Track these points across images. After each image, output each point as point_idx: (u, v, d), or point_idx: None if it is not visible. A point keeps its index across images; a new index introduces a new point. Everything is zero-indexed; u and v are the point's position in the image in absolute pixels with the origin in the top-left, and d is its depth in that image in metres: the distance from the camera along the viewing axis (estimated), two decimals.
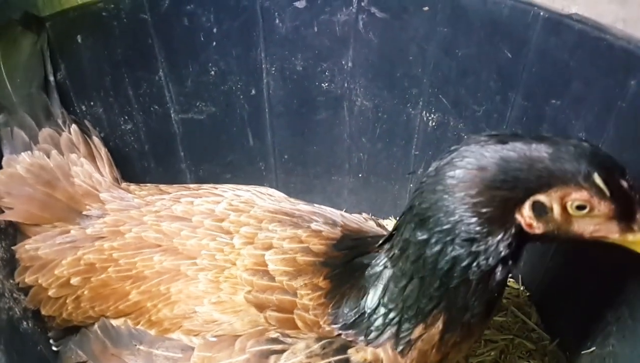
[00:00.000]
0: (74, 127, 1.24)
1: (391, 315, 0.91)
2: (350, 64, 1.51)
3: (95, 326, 1.06)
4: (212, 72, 1.50)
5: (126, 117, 1.51)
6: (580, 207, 0.79)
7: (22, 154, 1.17)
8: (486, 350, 1.39)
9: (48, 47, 1.28)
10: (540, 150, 0.78)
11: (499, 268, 0.84)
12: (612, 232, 0.82)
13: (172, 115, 1.56)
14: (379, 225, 1.23)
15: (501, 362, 1.37)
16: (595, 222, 0.80)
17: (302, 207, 1.19)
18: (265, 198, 1.18)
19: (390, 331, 0.91)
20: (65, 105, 1.32)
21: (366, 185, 1.75)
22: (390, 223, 1.74)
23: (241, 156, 1.69)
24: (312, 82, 1.56)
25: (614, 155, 0.81)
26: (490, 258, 0.82)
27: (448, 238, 0.82)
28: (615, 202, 0.78)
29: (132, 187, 1.23)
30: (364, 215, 1.31)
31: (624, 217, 0.80)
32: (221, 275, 1.00)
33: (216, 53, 1.47)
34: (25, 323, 1.16)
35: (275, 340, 0.93)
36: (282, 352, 0.92)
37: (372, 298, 0.93)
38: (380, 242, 0.96)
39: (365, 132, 1.63)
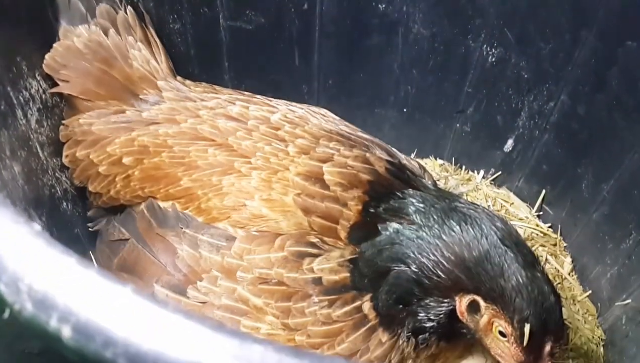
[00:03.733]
0: (129, 8, 1.20)
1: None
2: None
3: (142, 206, 1.06)
4: None
5: (175, 16, 1.45)
6: (501, 333, 0.90)
7: (80, 26, 1.14)
8: None
9: None
10: (517, 275, 0.87)
11: (427, 323, 0.96)
12: None
13: (221, 21, 1.50)
14: (420, 167, 1.22)
15: None
16: (503, 350, 0.92)
17: (360, 133, 1.19)
18: (319, 118, 1.18)
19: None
20: None
21: (409, 121, 1.71)
22: (429, 163, 1.70)
23: (285, 75, 1.64)
24: (368, 2, 1.49)
25: None
26: (421, 311, 0.95)
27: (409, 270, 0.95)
28: (526, 353, 0.88)
29: (188, 82, 1.22)
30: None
31: None
32: (274, 176, 1.01)
33: None
34: (65, 204, 1.16)
35: (313, 245, 0.96)
36: (317, 256, 0.96)
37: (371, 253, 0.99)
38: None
39: (418, 63, 1.57)
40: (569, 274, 1.43)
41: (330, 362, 0.35)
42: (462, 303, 0.92)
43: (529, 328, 0.86)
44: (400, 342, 0.96)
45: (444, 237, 0.92)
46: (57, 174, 1.15)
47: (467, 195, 1.60)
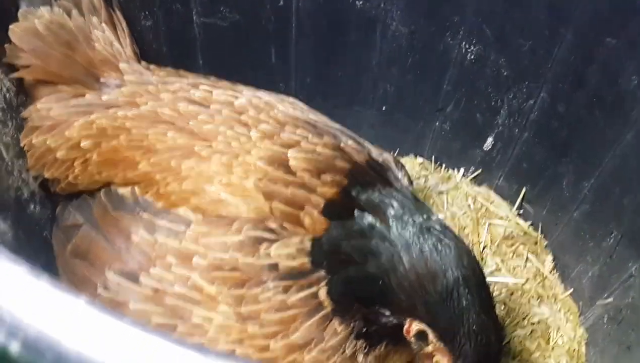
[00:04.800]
0: None
1: None
2: None
3: (101, 192, 1.03)
4: None
5: (147, 12, 1.41)
6: None
7: (41, 7, 1.10)
8: (496, 289, 1.37)
9: None
10: (472, 322, 0.87)
11: (373, 327, 0.95)
12: None
13: (194, 18, 1.46)
14: (397, 162, 1.20)
15: (509, 303, 1.35)
16: None
17: (329, 122, 1.16)
18: (286, 105, 1.15)
19: None
20: None
21: (388, 120, 1.68)
22: (409, 162, 1.68)
23: (262, 73, 1.61)
24: None
25: None
26: (371, 314, 0.95)
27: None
28: None
29: (152, 66, 1.18)
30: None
31: None
32: (235, 161, 0.98)
33: None
34: (32, 206, 1.11)
35: (271, 230, 0.94)
36: (274, 241, 0.93)
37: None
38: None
39: (396, 61, 1.55)
40: (550, 272, 1.43)
41: None
42: (411, 327, 0.93)
43: None
44: (354, 334, 0.94)
45: (413, 255, 0.90)
46: (23, 176, 1.10)
47: (447, 193, 1.59)
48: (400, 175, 1.18)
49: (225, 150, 0.99)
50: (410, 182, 1.21)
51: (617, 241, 1.25)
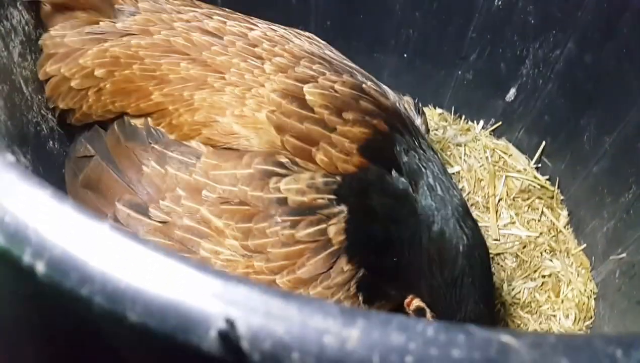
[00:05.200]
0: None
1: None
2: None
3: (114, 123, 1.03)
4: None
5: None
6: None
7: None
8: (507, 243, 1.37)
9: None
10: (469, 312, 0.89)
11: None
12: None
13: None
14: (417, 106, 1.19)
15: (522, 255, 1.35)
16: None
17: (346, 61, 1.14)
18: (303, 39, 1.12)
19: None
20: None
21: (409, 67, 1.65)
22: (428, 113, 1.65)
23: (281, 15, 1.53)
24: None
25: None
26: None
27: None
28: None
29: None
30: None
31: None
32: (248, 93, 0.96)
33: None
34: (51, 142, 1.12)
35: (282, 165, 0.92)
36: (285, 176, 0.92)
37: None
38: None
39: (421, 4, 1.50)
40: (565, 227, 1.42)
41: (318, 304, 0.32)
42: (412, 302, 0.95)
43: None
44: (360, 274, 0.95)
45: (433, 237, 0.92)
46: (42, 111, 1.10)
47: (465, 145, 1.57)
48: (419, 121, 1.17)
49: (239, 82, 0.97)
50: (428, 130, 1.20)
51: (635, 197, 1.23)
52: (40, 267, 0.39)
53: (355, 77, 1.05)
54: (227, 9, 1.18)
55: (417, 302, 0.95)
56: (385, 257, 0.95)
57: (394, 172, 0.96)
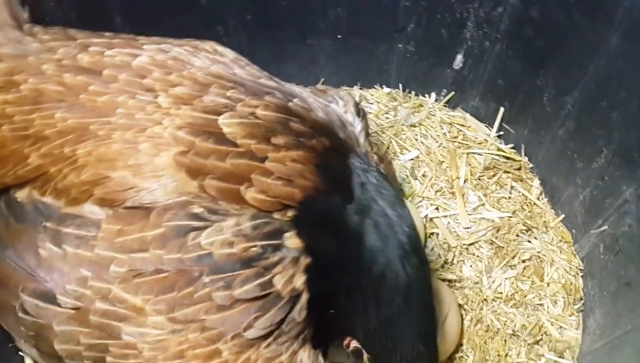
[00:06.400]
0: None
1: None
2: None
3: (1, 202, 0.89)
4: None
5: None
6: None
7: None
8: (480, 230, 1.25)
9: None
10: (408, 348, 0.81)
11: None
12: None
13: None
14: (356, 106, 1.04)
15: (497, 241, 1.23)
16: None
17: (265, 79, 0.97)
18: (204, 59, 0.95)
19: None
20: None
21: (346, 48, 1.49)
22: (375, 94, 1.51)
23: (193, 18, 1.39)
24: None
25: None
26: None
27: None
28: None
29: (37, 28, 0.98)
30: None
31: None
32: (141, 135, 0.82)
33: None
34: None
35: (196, 216, 0.79)
36: (203, 229, 0.78)
37: None
38: None
39: None
40: (538, 199, 1.30)
41: None
42: (350, 343, 0.85)
43: None
44: (312, 321, 0.84)
45: (371, 278, 0.81)
46: None
47: (419, 125, 1.43)
48: (359, 128, 1.03)
49: (128, 125, 0.83)
50: (368, 134, 1.06)
51: (607, 161, 1.11)
52: None
53: (276, 97, 0.91)
54: (107, 34, 1.01)
55: (354, 344, 0.85)
56: (331, 301, 0.84)
57: (343, 203, 0.83)
